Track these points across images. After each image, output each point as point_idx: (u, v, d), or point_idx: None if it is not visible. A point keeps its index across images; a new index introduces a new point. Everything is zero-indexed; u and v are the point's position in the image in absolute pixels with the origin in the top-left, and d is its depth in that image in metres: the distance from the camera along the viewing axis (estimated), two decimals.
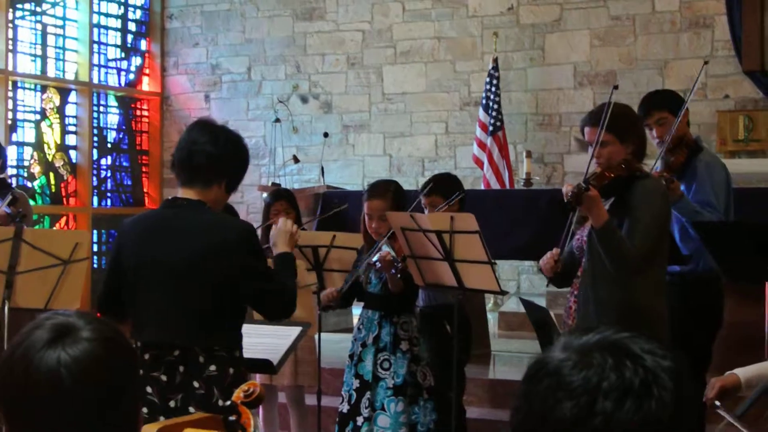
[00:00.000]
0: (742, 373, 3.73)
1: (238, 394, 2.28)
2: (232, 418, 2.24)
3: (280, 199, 6.50)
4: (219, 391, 3.83)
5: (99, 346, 1.78)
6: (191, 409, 3.73)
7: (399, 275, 5.28)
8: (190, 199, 3.96)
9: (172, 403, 3.81)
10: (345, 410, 5.55)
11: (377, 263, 5.27)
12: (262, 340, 4.51)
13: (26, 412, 1.77)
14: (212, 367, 3.84)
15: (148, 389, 3.80)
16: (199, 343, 3.82)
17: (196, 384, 3.80)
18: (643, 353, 1.41)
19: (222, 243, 3.86)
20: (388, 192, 5.54)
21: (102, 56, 12.68)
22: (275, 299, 4.01)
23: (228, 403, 3.71)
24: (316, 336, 5.86)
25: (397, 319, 5.50)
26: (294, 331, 4.55)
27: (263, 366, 4.40)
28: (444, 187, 5.84)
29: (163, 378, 3.84)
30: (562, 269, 4.73)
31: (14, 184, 6.21)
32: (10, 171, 6.44)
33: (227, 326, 3.93)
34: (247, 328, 4.27)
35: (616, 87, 4.60)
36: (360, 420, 5.45)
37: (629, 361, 1.39)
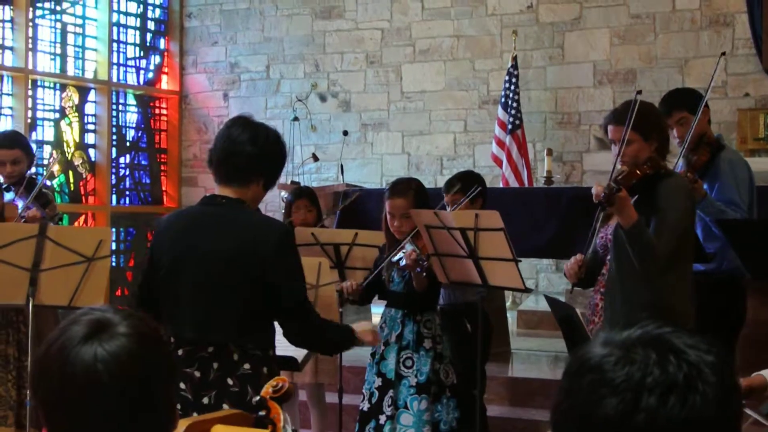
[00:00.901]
0: None
1: (266, 389, 2.28)
2: (262, 413, 2.24)
3: (302, 196, 6.52)
4: (253, 390, 3.79)
5: (135, 341, 1.78)
6: (225, 406, 3.72)
7: (424, 273, 5.28)
8: (229, 198, 3.94)
9: (205, 400, 3.80)
10: (366, 408, 5.55)
11: (402, 261, 5.27)
12: None
13: (63, 406, 1.77)
14: (246, 366, 3.82)
15: (182, 385, 3.80)
16: (233, 341, 3.81)
17: (230, 381, 3.79)
18: (687, 348, 1.40)
19: (261, 243, 3.83)
20: (409, 190, 5.53)
21: (121, 55, 12.70)
22: (305, 328, 3.99)
23: (255, 402, 3.76)
24: None
25: (420, 317, 5.50)
26: None
27: (288, 363, 4.39)
28: (468, 184, 5.83)
29: (197, 374, 3.82)
30: (586, 272, 4.73)
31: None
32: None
33: (262, 326, 3.91)
34: None
35: (639, 92, 4.58)
36: (383, 418, 5.44)
37: (673, 356, 1.38)
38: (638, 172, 4.41)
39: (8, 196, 6.19)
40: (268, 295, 3.84)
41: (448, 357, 5.54)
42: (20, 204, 6.07)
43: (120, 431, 1.77)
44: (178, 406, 3.66)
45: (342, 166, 10.81)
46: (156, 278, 3.98)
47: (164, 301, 3.95)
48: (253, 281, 3.83)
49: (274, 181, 4.10)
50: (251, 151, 3.92)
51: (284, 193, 9.58)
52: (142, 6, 12.90)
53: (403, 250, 5.30)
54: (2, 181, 6.20)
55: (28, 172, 6.37)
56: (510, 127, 10.49)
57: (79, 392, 1.74)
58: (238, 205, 3.93)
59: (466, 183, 5.86)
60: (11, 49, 11.26)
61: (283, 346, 4.46)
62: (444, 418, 5.42)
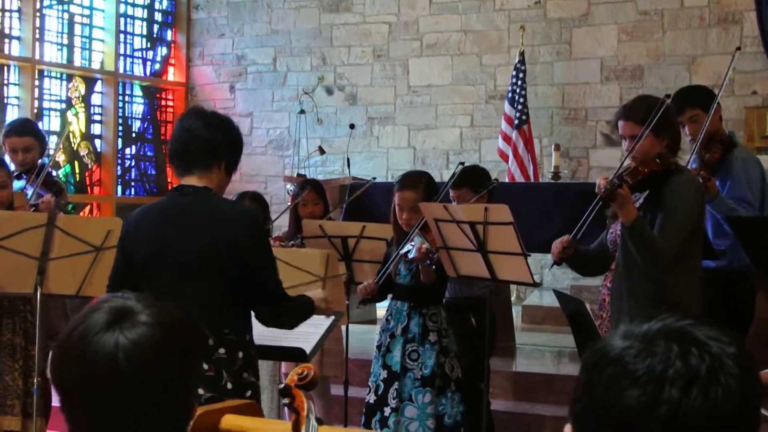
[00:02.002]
0: None
1: (292, 377, 2.27)
2: (286, 401, 2.24)
3: (310, 189, 6.51)
4: (228, 374, 3.88)
5: (157, 330, 1.77)
6: (200, 391, 3.75)
7: (434, 266, 5.28)
8: (195, 186, 4.01)
9: None
10: (371, 401, 5.54)
11: (410, 254, 5.27)
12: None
13: (83, 394, 1.76)
14: (221, 350, 3.88)
15: None
16: (209, 327, 3.85)
17: (205, 366, 3.82)
18: (708, 340, 1.39)
19: (230, 231, 3.91)
20: (419, 183, 5.53)
21: (128, 46, 12.71)
22: (277, 311, 4.08)
23: (230, 387, 3.81)
24: (344, 327, 5.87)
25: (426, 311, 5.49)
26: (327, 321, 4.55)
27: (296, 354, 4.40)
28: (473, 179, 5.83)
29: None
30: (583, 259, 4.74)
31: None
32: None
33: (237, 311, 3.97)
34: None
35: (668, 96, 4.56)
36: (387, 410, 5.44)
37: (695, 348, 1.38)
38: (645, 168, 4.39)
39: (19, 183, 6.20)
40: (243, 281, 3.91)
41: (454, 351, 5.53)
42: (30, 192, 6.07)
43: (139, 421, 1.76)
44: None
45: (348, 159, 10.82)
46: (130, 270, 4.04)
47: (139, 290, 3.99)
48: (227, 270, 3.90)
49: (235, 165, 4.16)
50: (206, 135, 4.01)
51: (290, 186, 9.60)
52: None
53: (412, 243, 5.29)
54: (14, 168, 6.20)
55: (41, 160, 6.38)
56: (516, 122, 10.49)
57: (99, 381, 1.73)
58: (205, 193, 4.00)
59: (472, 178, 5.84)
60: (18, 39, 11.27)
61: (292, 338, 4.47)
62: (448, 412, 5.42)
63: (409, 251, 5.29)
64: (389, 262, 5.48)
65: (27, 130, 6.38)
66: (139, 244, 4.03)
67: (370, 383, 5.60)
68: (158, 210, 4.12)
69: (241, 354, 3.94)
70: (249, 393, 3.96)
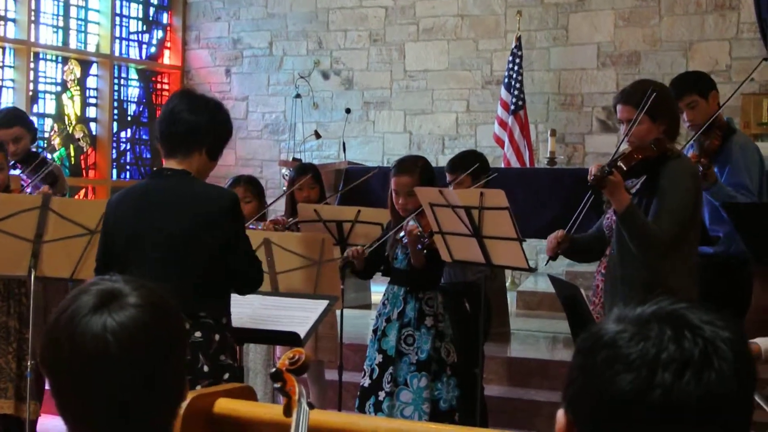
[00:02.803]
0: (763, 342, 3.73)
1: (283, 361, 2.27)
2: (277, 385, 2.23)
3: (306, 173, 6.49)
4: (204, 357, 3.91)
5: (146, 312, 1.76)
6: None
7: (424, 251, 5.27)
8: (174, 169, 4.03)
9: None
10: (366, 384, 5.54)
11: (404, 238, 5.27)
12: (288, 312, 4.50)
13: (72, 377, 1.75)
14: (197, 334, 3.91)
15: None
16: (185, 310, 3.85)
17: None
18: (702, 323, 1.39)
19: (209, 214, 3.94)
20: (416, 168, 5.51)
21: (124, 29, 12.68)
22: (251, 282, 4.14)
23: (207, 369, 3.83)
24: (338, 311, 5.86)
25: (422, 295, 5.49)
26: (321, 305, 4.54)
27: (290, 338, 4.39)
28: (470, 164, 5.81)
29: None
30: (578, 249, 4.74)
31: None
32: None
33: (214, 294, 3.99)
34: (273, 301, 4.29)
35: (654, 91, 4.50)
36: (382, 395, 5.44)
37: (688, 332, 1.37)
38: (639, 154, 4.38)
39: (15, 173, 6.18)
40: (220, 263, 3.95)
41: (450, 336, 5.53)
42: (28, 188, 6.05)
43: (128, 403, 1.75)
44: None
45: (344, 143, 10.81)
46: (113, 253, 4.06)
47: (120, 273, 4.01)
48: (204, 251, 3.93)
49: (219, 150, 4.18)
50: (189, 118, 4.02)
51: (285, 170, 9.59)
52: None
53: (406, 226, 5.30)
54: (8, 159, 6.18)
55: (44, 152, 6.35)
56: (513, 107, 10.48)
57: (88, 363, 1.73)
58: (184, 176, 4.01)
59: (470, 163, 5.83)
60: (14, 21, 11.24)
61: (285, 322, 4.47)
62: (444, 397, 5.42)
63: (404, 236, 5.29)
64: (383, 236, 5.49)
65: (12, 120, 6.33)
66: (118, 227, 4.06)
67: (365, 367, 5.60)
68: (137, 193, 4.13)
69: (217, 337, 3.96)
70: (227, 376, 3.98)
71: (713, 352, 1.35)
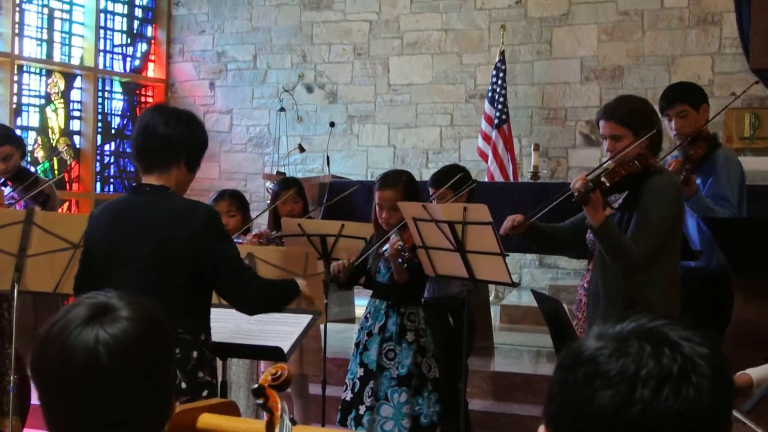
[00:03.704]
0: (755, 373, 3.74)
1: (265, 377, 2.28)
2: (260, 401, 2.24)
3: (289, 187, 6.50)
4: (182, 374, 3.88)
5: (137, 325, 1.78)
6: None
7: (405, 265, 5.28)
8: (152, 185, 4.01)
9: None
10: (348, 398, 5.54)
11: (386, 251, 5.28)
12: (272, 327, 4.49)
13: (62, 389, 1.76)
14: (176, 350, 3.87)
15: None
16: None
17: None
18: (681, 340, 1.40)
19: (185, 230, 3.91)
20: (399, 183, 5.53)
21: (108, 42, 12.68)
22: (255, 291, 4.05)
23: (185, 386, 3.82)
24: (322, 325, 5.86)
25: (404, 310, 5.49)
26: (305, 319, 4.54)
27: (274, 353, 4.39)
28: (452, 178, 5.82)
29: None
30: (539, 236, 4.82)
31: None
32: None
33: (192, 310, 3.96)
34: (257, 315, 4.27)
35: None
36: (362, 409, 5.44)
37: (667, 348, 1.38)
38: (623, 170, 4.41)
39: (6, 190, 6.17)
40: (200, 278, 3.92)
41: (431, 351, 5.53)
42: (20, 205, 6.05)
43: (118, 415, 1.76)
44: None
45: (328, 157, 10.84)
46: (91, 268, 4.06)
47: (98, 289, 4.01)
48: (182, 267, 3.90)
49: (197, 162, 4.14)
50: (164, 132, 4.00)
51: (269, 184, 9.59)
52: None
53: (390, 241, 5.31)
54: None
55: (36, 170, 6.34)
56: (496, 121, 10.50)
57: (79, 374, 1.73)
58: (163, 191, 3.99)
59: (452, 178, 5.84)
60: None
61: (270, 337, 4.46)
62: (424, 412, 5.41)
63: (386, 250, 5.30)
64: (367, 251, 5.49)
65: (2, 138, 6.33)
66: (95, 242, 4.06)
67: (347, 380, 5.60)
68: (115, 208, 4.12)
69: (195, 353, 3.94)
70: (205, 393, 3.96)
71: (692, 369, 1.37)
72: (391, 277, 5.47)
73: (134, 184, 4.19)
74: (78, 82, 12.24)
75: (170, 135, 4.00)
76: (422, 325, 5.52)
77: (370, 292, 5.74)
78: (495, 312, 9.32)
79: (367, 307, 5.68)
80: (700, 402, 1.35)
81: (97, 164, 12.44)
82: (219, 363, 4.46)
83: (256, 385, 2.24)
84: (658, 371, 1.36)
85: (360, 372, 5.51)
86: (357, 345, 5.60)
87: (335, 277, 5.59)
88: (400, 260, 5.26)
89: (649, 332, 1.42)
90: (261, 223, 7.54)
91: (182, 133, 4.04)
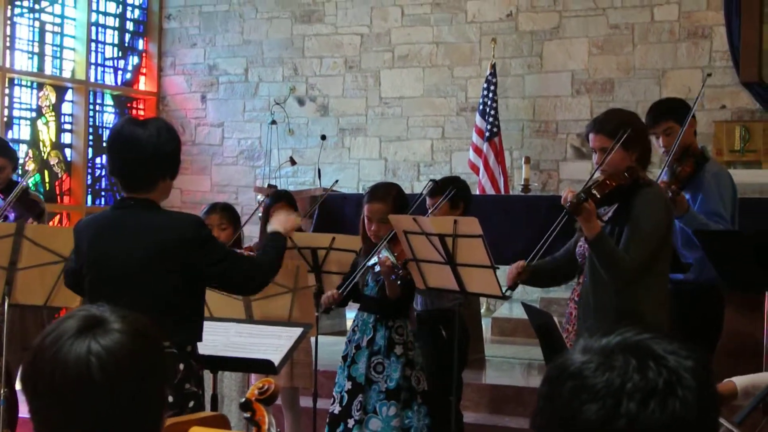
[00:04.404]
0: (739, 381, 3.76)
1: (252, 391, 2.28)
2: (247, 414, 2.24)
3: (281, 200, 6.50)
4: (169, 387, 3.86)
5: (130, 338, 1.79)
6: None
7: (399, 281, 5.28)
8: (137, 198, 4.03)
9: None
10: (336, 411, 5.53)
11: (377, 267, 5.27)
12: (263, 340, 4.50)
13: (53, 400, 1.76)
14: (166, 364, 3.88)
15: None
16: None
17: None
18: (666, 354, 1.41)
19: (169, 243, 3.94)
20: (389, 195, 5.54)
21: (99, 55, 12.66)
22: (244, 274, 4.14)
23: (172, 399, 3.82)
24: (313, 338, 5.86)
25: (392, 323, 5.49)
26: (296, 332, 4.55)
27: (265, 366, 4.39)
28: (449, 189, 5.81)
29: None
30: (539, 277, 4.83)
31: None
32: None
33: (179, 323, 3.97)
34: (247, 328, 4.28)
35: (627, 130, 4.57)
36: (351, 422, 5.43)
37: (652, 362, 1.40)
38: (612, 182, 4.42)
39: None
40: (187, 290, 3.95)
41: (420, 364, 5.53)
42: (12, 217, 6.04)
43: (109, 427, 1.76)
44: None
45: (319, 170, 10.84)
46: (80, 280, 4.09)
47: (84, 300, 4.05)
48: (167, 279, 3.93)
49: (177, 169, 4.16)
50: (142, 159, 4.00)
51: (260, 196, 9.57)
52: (121, 6, 12.86)
53: (379, 255, 5.29)
54: None
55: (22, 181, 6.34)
56: (487, 134, 10.51)
57: (71, 386, 1.74)
58: (148, 204, 4.03)
59: (450, 188, 5.84)
60: None
61: (261, 350, 4.46)
62: (415, 425, 5.41)
63: (375, 264, 5.29)
64: (355, 273, 5.48)
65: None
66: (82, 255, 4.09)
67: (334, 393, 5.60)
68: (100, 221, 4.15)
69: (182, 366, 3.96)
70: (192, 404, 3.96)
71: (677, 382, 1.38)
72: (380, 290, 5.46)
73: (118, 197, 4.19)
74: (69, 95, 12.23)
75: (151, 155, 4.00)
76: (410, 338, 5.52)
77: (358, 305, 5.74)
78: (486, 324, 9.32)
79: (354, 320, 5.68)
80: (686, 415, 1.36)
81: (89, 177, 12.42)
82: (210, 376, 4.46)
83: (243, 399, 2.25)
84: (644, 385, 1.37)
85: (348, 385, 5.50)
86: (344, 358, 5.60)
87: (327, 309, 5.59)
88: (393, 277, 5.26)
89: (635, 346, 1.43)
90: (253, 236, 7.54)
91: (158, 149, 4.03)
